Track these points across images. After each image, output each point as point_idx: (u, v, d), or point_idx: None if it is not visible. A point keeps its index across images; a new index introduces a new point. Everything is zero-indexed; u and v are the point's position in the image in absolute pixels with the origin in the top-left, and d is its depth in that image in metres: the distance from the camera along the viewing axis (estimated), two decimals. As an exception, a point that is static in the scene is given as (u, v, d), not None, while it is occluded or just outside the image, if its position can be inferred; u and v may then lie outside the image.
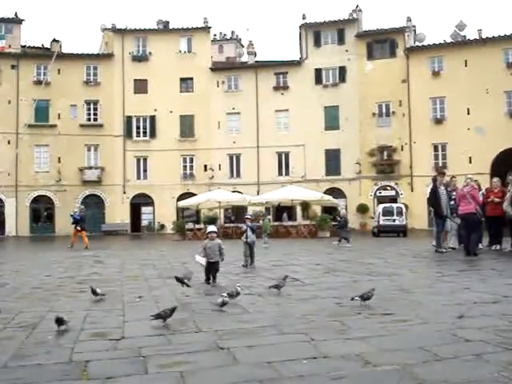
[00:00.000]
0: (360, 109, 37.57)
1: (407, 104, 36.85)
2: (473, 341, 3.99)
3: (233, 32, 74.50)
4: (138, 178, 39.97)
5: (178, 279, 6.98)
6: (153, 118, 39.84)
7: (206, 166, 39.66)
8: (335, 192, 36.50)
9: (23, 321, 5.33)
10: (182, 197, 37.23)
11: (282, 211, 33.73)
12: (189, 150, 39.76)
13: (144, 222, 39.78)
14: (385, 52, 38.16)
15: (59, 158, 38.60)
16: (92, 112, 39.61)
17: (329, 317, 5.13)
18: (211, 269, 7.98)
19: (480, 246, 12.31)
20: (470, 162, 33.91)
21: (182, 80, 40.26)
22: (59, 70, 38.72)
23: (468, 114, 35.10)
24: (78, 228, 19.90)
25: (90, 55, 40.39)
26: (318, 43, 39.52)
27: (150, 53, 40.56)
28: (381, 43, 38.26)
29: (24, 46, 40.56)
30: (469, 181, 12.17)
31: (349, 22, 39.26)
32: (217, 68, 41.66)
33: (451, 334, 4.25)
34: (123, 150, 39.70)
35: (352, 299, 5.65)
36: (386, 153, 37.50)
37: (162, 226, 37.89)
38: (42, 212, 39.34)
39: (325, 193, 33.74)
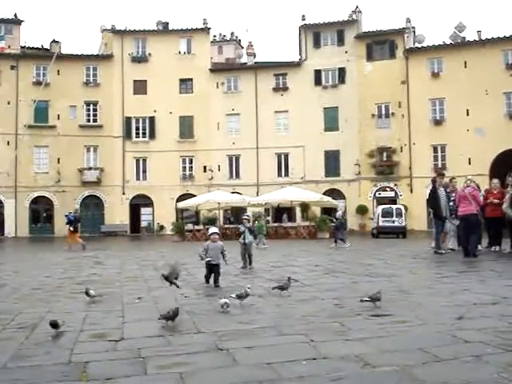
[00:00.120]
0: (359, 110, 37.55)
1: (407, 105, 36.82)
2: (472, 342, 4.00)
3: (232, 33, 74.39)
4: (138, 178, 39.92)
5: (166, 278, 6.67)
6: (152, 119, 39.81)
7: (205, 167, 39.63)
8: (334, 193, 36.49)
9: (23, 321, 5.33)
10: (181, 198, 37.15)
11: (282, 212, 33.68)
12: (188, 151, 39.73)
13: (143, 223, 39.71)
14: (384, 53, 38.13)
15: (58, 159, 38.56)
16: (91, 113, 39.55)
17: (328, 318, 5.13)
18: (212, 271, 7.92)
19: (479, 247, 12.31)
20: (470, 164, 33.86)
21: (182, 81, 40.22)
22: (59, 70, 38.65)
23: (467, 115, 35.07)
24: (71, 229, 20.09)
25: (89, 56, 40.34)
26: (317, 44, 39.50)
27: (149, 54, 40.53)
28: (380, 44, 38.23)
29: (23, 47, 40.49)
30: (469, 182, 12.18)
31: (348, 23, 39.24)
32: (216, 69, 41.62)
33: (451, 335, 4.26)
34: (122, 150, 39.65)
35: (361, 301, 5.62)
36: (385, 154, 37.47)
37: (162, 227, 37.83)
38: (41, 213, 39.27)
39: (324, 194, 33.70)
